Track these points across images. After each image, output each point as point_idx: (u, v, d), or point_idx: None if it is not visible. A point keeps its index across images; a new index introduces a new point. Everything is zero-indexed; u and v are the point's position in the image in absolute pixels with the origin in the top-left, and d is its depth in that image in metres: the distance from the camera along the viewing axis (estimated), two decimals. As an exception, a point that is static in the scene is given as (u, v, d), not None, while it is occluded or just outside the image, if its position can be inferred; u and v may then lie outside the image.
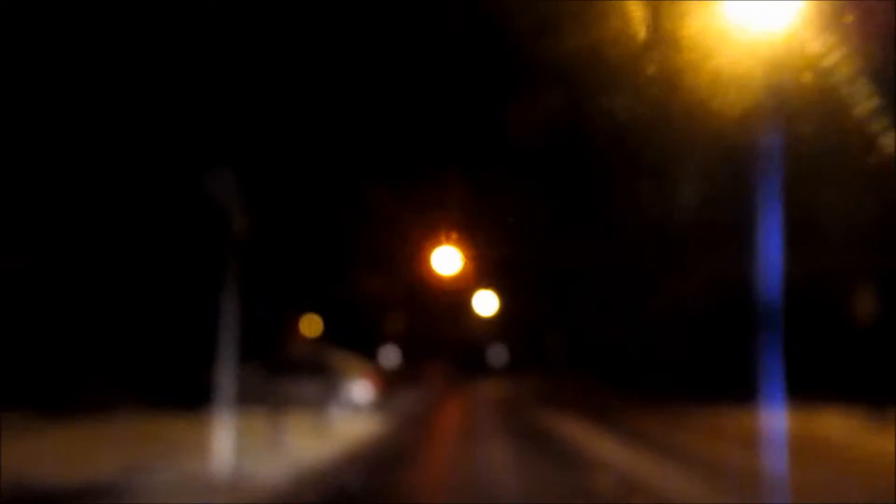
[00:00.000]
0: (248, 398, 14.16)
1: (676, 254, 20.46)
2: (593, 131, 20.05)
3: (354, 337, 27.54)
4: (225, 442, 7.45)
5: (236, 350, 7.88)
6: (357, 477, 8.24)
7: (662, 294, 22.04)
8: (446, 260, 26.92)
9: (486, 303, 33.97)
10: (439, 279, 28.97)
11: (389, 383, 22.28)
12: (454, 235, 26.57)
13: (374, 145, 20.64)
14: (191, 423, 11.25)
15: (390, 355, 30.90)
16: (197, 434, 9.52)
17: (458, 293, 32.37)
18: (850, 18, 7.36)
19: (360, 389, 14.80)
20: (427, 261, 27.51)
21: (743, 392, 13.97)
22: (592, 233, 25.24)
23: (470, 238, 26.98)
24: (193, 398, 14.23)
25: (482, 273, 31.17)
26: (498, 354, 38.93)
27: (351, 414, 14.23)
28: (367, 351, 27.20)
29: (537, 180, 25.13)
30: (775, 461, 8.44)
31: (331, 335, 27.65)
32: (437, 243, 26.44)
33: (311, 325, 27.54)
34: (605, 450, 10.95)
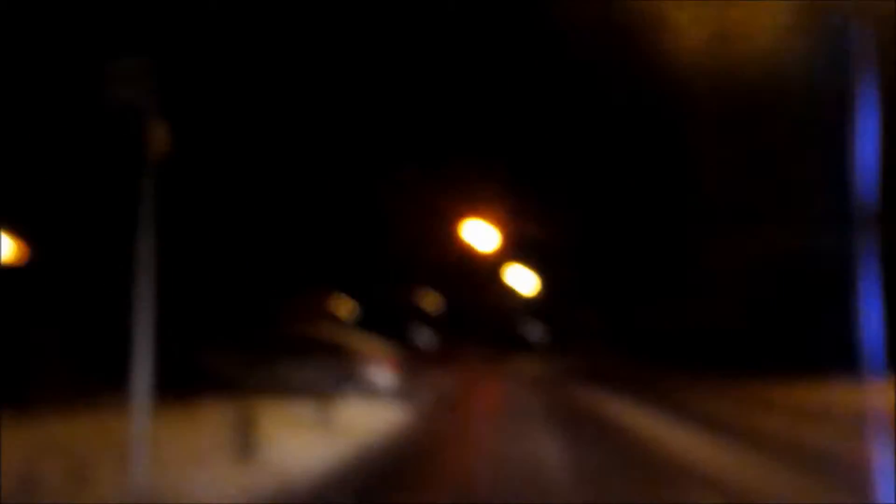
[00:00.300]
0: (229, 385, 11.61)
1: (735, 207, 17.80)
2: (634, 96, 17.40)
3: (386, 316, 25.44)
4: (138, 452, 4.81)
5: (153, 319, 5.19)
6: (354, 500, 5.55)
7: (716, 257, 19.28)
8: (482, 235, 24.28)
9: (522, 279, 31.50)
10: (475, 255, 26.44)
11: (420, 363, 19.69)
12: (490, 210, 23.88)
13: (409, 118, 18.36)
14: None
15: (424, 334, 28.60)
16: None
17: (493, 269, 29.98)
18: None
19: (378, 373, 12.12)
20: (462, 237, 24.90)
21: (822, 363, 11.29)
22: (634, 204, 22.58)
23: (506, 212, 24.30)
24: (180, 382, 11.77)
25: (519, 248, 28.83)
26: (535, 331, 36.16)
27: (367, 402, 11.58)
28: (399, 331, 25.05)
29: (576, 152, 22.57)
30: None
31: (363, 315, 25.48)
32: (473, 218, 23.81)
33: (340, 305, 25.29)
34: (683, 444, 8.11)
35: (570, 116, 20.70)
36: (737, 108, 15.45)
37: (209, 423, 7.37)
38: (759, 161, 16.24)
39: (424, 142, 20.40)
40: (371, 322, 24.32)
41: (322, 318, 19.96)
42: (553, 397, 13.91)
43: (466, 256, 27.01)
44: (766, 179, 16.39)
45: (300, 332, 12.50)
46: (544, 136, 22.07)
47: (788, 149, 15.18)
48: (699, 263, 20.22)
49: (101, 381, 10.69)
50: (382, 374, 12.15)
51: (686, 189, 19.30)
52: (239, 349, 12.48)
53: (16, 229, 9.91)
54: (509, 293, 31.83)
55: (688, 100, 16.65)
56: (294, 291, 19.36)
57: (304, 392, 11.12)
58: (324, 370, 11.94)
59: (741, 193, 17.25)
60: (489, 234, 25.95)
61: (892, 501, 4.97)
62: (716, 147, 17.06)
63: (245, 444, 6.30)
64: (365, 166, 19.73)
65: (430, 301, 29.11)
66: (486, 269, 29.52)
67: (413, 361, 19.36)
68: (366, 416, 10.01)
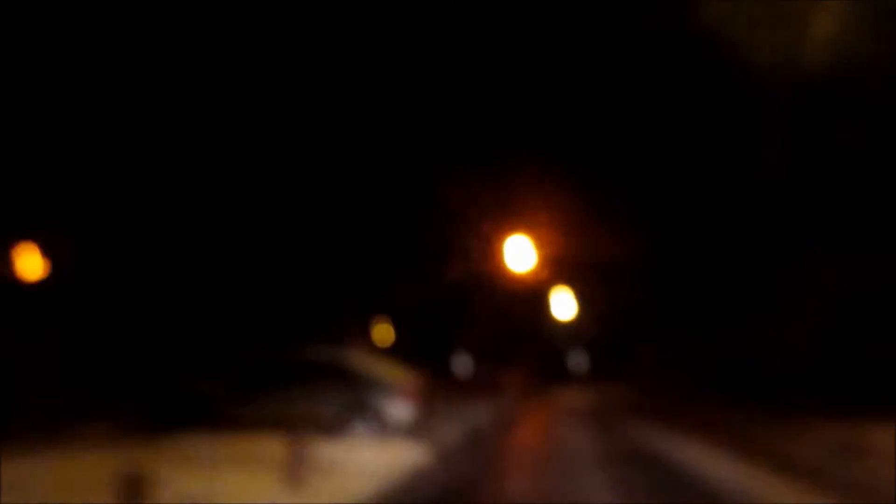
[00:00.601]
0: (214, 417, 9.33)
1: (806, 229, 15.41)
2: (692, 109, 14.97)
3: (421, 342, 23.16)
4: None
5: None
6: None
7: (783, 284, 16.59)
8: (521, 256, 21.79)
9: (565, 304, 28.86)
10: (514, 277, 23.87)
11: (452, 393, 17.19)
12: (529, 229, 21.52)
13: (443, 131, 16.70)
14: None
15: (461, 362, 26.14)
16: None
17: (534, 293, 27.35)
18: None
19: (394, 404, 9.59)
20: (500, 258, 22.44)
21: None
22: (692, 226, 20.10)
23: (546, 232, 21.88)
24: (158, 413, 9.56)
25: (564, 271, 26.19)
26: (579, 360, 33.21)
27: (376, 440, 9.07)
28: (434, 357, 22.72)
29: (621, 167, 20.15)
30: None
31: (398, 340, 23.24)
32: (511, 238, 21.38)
33: (375, 330, 23.05)
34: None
35: (619, 126, 18.53)
36: (814, 122, 13.45)
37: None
38: (837, 180, 14.01)
39: (465, 156, 18.49)
40: (405, 348, 22.05)
41: (349, 342, 17.58)
42: (607, 437, 11.14)
43: (508, 279, 24.62)
44: (840, 201, 14.10)
45: (306, 356, 10.06)
46: (590, 146, 19.82)
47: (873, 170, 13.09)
48: (763, 291, 17.48)
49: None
50: (399, 405, 9.61)
51: (749, 210, 16.88)
52: (234, 375, 10.14)
53: None
54: (553, 319, 29.16)
55: (759, 107, 14.64)
56: (323, 313, 17.27)
57: (300, 426, 8.75)
58: (329, 400, 9.52)
59: (812, 215, 14.94)
60: (531, 255, 23.63)
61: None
62: (788, 162, 14.83)
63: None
64: (402, 181, 17.96)
65: (468, 326, 26.63)
66: (529, 294, 27.02)
67: (445, 391, 16.85)
68: (366, 459, 7.49)
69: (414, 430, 9.64)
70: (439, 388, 15.57)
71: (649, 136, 18.07)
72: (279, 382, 9.74)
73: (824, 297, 15.42)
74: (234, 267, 14.41)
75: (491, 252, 22.98)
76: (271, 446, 7.30)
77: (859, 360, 14.27)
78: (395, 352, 20.90)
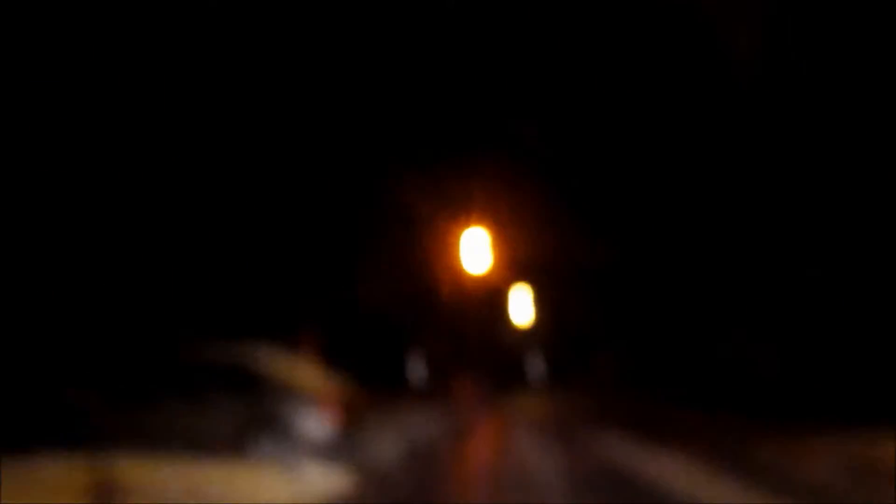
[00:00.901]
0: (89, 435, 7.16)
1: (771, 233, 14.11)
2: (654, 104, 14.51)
3: (366, 346, 21.45)
4: None
5: None
6: None
7: (748, 289, 15.21)
8: (478, 258, 20.20)
9: (522, 308, 27.41)
10: (471, 280, 22.22)
11: (398, 402, 15.26)
12: (486, 230, 20.13)
13: (397, 128, 15.98)
14: None
15: (410, 367, 24.29)
16: None
17: (491, 297, 25.88)
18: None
19: (310, 420, 7.51)
20: (457, 260, 20.83)
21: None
22: (655, 226, 18.91)
23: (504, 234, 20.51)
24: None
25: (518, 274, 24.65)
26: (536, 366, 31.43)
27: (280, 466, 6.97)
28: (380, 362, 21.06)
29: (583, 165, 18.97)
30: None
31: (341, 344, 21.48)
32: (468, 240, 19.86)
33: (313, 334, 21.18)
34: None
35: (580, 123, 17.37)
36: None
37: None
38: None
39: (422, 154, 17.18)
40: (356, 352, 20.29)
41: (298, 347, 15.47)
42: (572, 454, 9.19)
43: (465, 282, 23.07)
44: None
45: (203, 358, 7.90)
46: (551, 143, 18.51)
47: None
48: (727, 297, 15.96)
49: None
50: (317, 418, 7.53)
51: (712, 214, 15.55)
52: (114, 381, 7.94)
53: None
54: (510, 323, 27.55)
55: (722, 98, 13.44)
56: (268, 317, 15.32)
57: (186, 445, 6.68)
58: (228, 412, 7.42)
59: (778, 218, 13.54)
60: (489, 258, 22.10)
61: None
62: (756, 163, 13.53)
63: None
64: (356, 177, 16.53)
65: (423, 330, 24.80)
66: (486, 297, 25.48)
67: (390, 399, 14.91)
68: (250, 490, 5.41)
69: (338, 450, 7.56)
70: (383, 397, 13.60)
71: (612, 136, 16.92)
72: (168, 389, 7.61)
73: (786, 308, 13.97)
74: (160, 260, 12.46)
75: (447, 254, 21.48)
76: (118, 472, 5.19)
77: (816, 372, 12.76)
78: (345, 357, 18.97)
